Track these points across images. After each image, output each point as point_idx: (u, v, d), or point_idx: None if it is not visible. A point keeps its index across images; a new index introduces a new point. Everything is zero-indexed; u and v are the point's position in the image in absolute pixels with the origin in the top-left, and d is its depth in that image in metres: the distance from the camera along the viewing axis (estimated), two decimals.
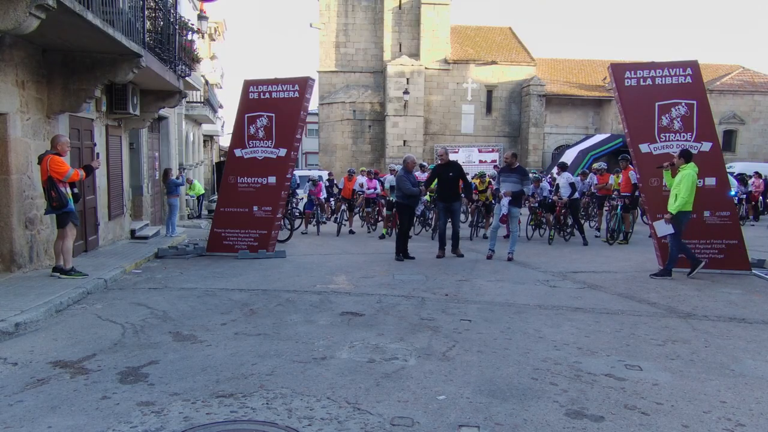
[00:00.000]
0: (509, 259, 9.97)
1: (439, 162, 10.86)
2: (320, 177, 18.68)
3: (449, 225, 10.72)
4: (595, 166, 15.08)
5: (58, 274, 7.48)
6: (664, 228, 8.37)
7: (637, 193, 12.90)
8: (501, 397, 3.91)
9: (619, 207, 12.39)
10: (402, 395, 3.92)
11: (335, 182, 18.90)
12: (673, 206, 8.21)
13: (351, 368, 4.44)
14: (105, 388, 4.00)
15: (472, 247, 11.91)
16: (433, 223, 13.71)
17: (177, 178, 13.94)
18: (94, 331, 5.43)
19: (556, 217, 13.06)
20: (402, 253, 10.10)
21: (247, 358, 4.66)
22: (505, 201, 9.94)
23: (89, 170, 8.04)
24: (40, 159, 7.42)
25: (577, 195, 12.97)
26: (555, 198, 13.08)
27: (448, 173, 10.54)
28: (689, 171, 8.15)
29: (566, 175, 13.14)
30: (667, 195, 8.55)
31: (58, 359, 4.62)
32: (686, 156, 8.27)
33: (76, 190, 7.69)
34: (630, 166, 12.98)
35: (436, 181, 12.68)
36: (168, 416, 3.55)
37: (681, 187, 8.12)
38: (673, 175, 8.37)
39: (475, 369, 4.47)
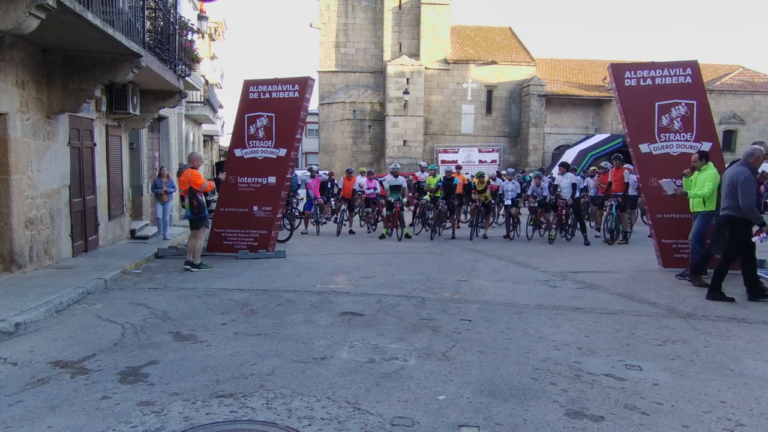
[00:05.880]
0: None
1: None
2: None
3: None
4: (600, 165, 15.02)
5: (189, 267, 8.67)
6: (670, 186, 8.34)
7: (636, 193, 12.90)
8: (501, 397, 3.92)
9: (613, 207, 12.36)
10: (402, 395, 3.92)
11: (335, 182, 18.87)
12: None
13: (351, 368, 4.44)
14: (105, 388, 4.01)
15: (473, 247, 11.92)
16: (432, 223, 13.64)
17: (159, 179, 13.34)
18: (94, 331, 5.43)
19: (558, 217, 13.04)
20: (714, 290, 6.96)
21: (247, 358, 4.67)
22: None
23: (218, 182, 9.35)
24: (180, 172, 8.78)
25: (578, 194, 12.87)
26: (558, 198, 13.00)
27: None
28: (713, 170, 8.13)
29: (569, 175, 13.03)
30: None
31: (58, 359, 4.62)
32: (706, 156, 8.23)
33: (209, 198, 9.01)
34: (624, 165, 12.98)
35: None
36: (168, 416, 3.55)
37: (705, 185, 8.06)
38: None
39: (475, 369, 4.47)
